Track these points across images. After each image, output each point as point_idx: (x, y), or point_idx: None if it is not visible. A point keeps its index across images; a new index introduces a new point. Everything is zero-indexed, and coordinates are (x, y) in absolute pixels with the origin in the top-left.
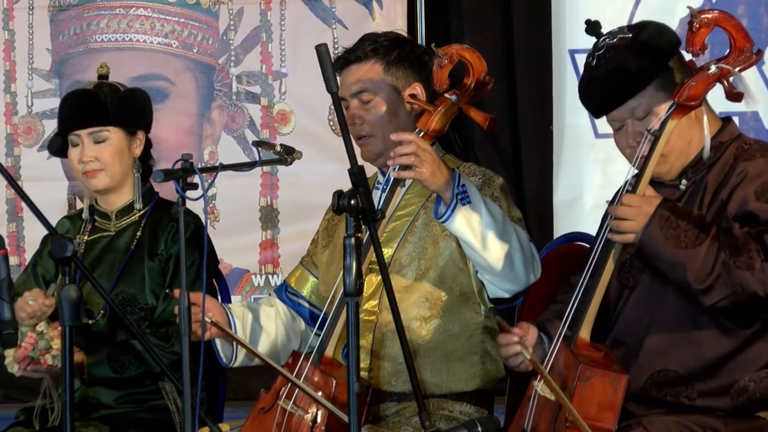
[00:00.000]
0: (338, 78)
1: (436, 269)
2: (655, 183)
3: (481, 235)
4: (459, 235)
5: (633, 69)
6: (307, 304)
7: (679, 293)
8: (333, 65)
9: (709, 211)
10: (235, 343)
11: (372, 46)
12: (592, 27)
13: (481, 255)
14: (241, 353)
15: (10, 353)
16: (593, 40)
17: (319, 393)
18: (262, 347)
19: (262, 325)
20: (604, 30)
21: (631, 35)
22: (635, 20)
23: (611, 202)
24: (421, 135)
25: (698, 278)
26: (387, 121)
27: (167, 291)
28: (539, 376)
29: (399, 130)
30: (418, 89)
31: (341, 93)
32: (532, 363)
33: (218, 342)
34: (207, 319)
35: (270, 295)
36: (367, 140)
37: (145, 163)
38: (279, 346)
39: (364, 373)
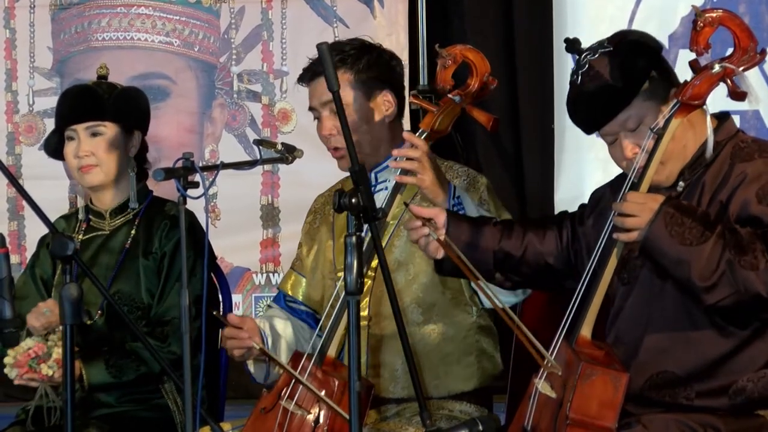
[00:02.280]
0: (308, 88)
1: (426, 275)
2: (650, 188)
3: None
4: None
5: (618, 84)
6: (305, 308)
7: (680, 291)
8: (333, 65)
9: (709, 212)
10: (269, 362)
11: (339, 56)
12: (572, 44)
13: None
14: (273, 371)
15: (9, 359)
16: (594, 38)
17: (322, 392)
18: (285, 356)
19: (282, 336)
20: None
21: (611, 48)
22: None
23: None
24: (423, 135)
25: (702, 276)
26: (359, 131)
27: (214, 313)
28: (539, 375)
29: (373, 139)
30: (389, 96)
31: (311, 103)
32: (440, 243)
33: (251, 363)
34: (255, 345)
35: (270, 305)
36: (343, 151)
37: (140, 165)
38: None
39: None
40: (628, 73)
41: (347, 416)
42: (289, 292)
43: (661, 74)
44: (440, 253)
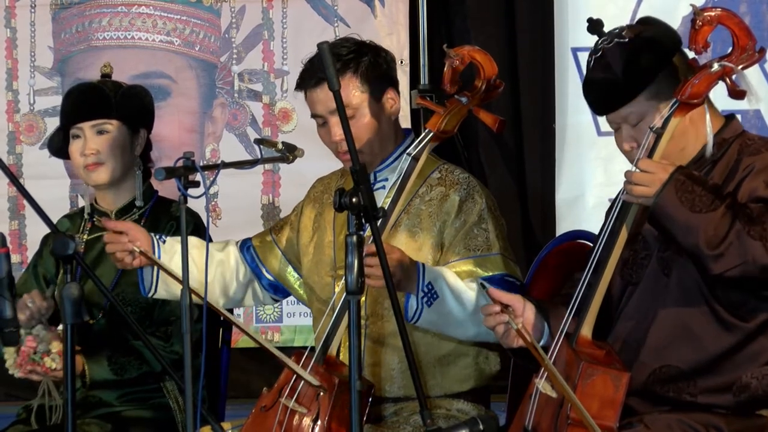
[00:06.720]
0: (310, 94)
1: None
2: None
3: (454, 321)
4: (430, 329)
5: (622, 80)
6: (266, 274)
7: (681, 289)
8: (334, 64)
9: (719, 185)
10: (154, 273)
11: (340, 61)
12: (594, 25)
13: (460, 335)
14: (161, 286)
15: (10, 356)
16: (595, 38)
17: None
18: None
19: (197, 266)
20: (607, 28)
21: (626, 40)
22: (637, 19)
23: (610, 209)
24: (430, 135)
25: (710, 243)
26: (372, 133)
27: (101, 219)
28: (540, 374)
29: (382, 138)
30: (391, 93)
31: (318, 110)
32: (518, 333)
33: (145, 272)
34: (135, 248)
35: (232, 242)
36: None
37: (144, 164)
38: (216, 291)
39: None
40: (634, 70)
41: (316, 383)
42: (260, 256)
43: (670, 74)
44: (518, 342)
